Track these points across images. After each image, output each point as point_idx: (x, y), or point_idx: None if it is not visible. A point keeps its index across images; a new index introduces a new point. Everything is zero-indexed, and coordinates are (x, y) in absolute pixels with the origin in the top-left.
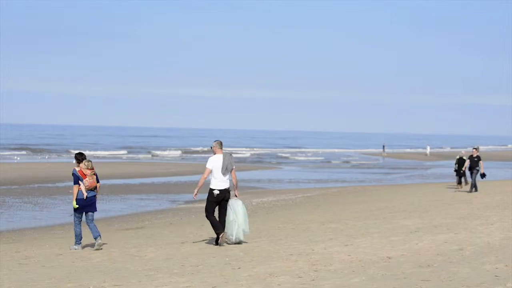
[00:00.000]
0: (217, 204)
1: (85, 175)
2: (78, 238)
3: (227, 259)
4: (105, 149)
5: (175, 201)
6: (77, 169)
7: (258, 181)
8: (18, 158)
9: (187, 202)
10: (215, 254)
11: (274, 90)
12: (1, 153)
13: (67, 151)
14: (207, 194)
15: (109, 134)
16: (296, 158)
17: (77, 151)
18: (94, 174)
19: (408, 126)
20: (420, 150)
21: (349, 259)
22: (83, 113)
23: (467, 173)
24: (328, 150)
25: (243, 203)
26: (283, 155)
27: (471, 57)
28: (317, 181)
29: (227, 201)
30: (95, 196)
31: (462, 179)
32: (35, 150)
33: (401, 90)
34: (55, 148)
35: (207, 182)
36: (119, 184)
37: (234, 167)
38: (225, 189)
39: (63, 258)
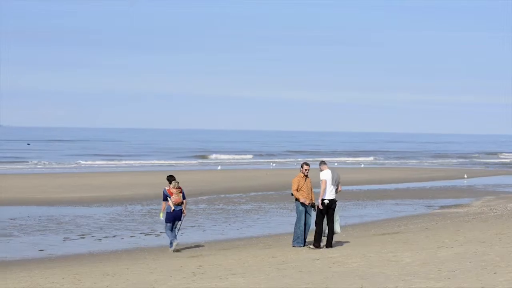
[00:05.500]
0: (325, 212)
1: (172, 193)
2: (172, 241)
3: (483, 264)
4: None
5: (430, 206)
6: (166, 188)
7: None
8: (274, 165)
9: (442, 207)
10: (471, 259)
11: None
12: (263, 160)
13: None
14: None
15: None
16: None
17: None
18: (180, 192)
19: None
20: None
21: None
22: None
23: None
24: None
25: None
26: None
27: None
28: None
29: (333, 209)
30: (181, 210)
31: None
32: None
33: None
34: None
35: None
36: (375, 190)
37: (340, 180)
38: (333, 199)
39: (320, 263)
